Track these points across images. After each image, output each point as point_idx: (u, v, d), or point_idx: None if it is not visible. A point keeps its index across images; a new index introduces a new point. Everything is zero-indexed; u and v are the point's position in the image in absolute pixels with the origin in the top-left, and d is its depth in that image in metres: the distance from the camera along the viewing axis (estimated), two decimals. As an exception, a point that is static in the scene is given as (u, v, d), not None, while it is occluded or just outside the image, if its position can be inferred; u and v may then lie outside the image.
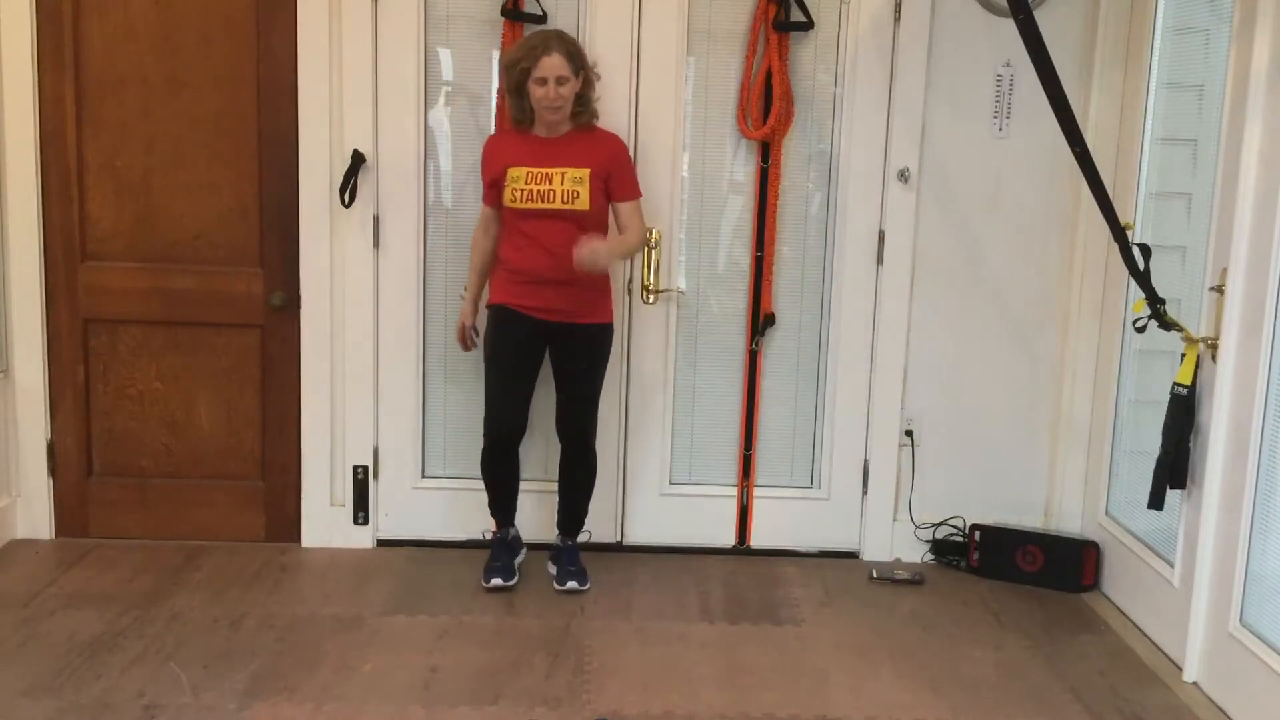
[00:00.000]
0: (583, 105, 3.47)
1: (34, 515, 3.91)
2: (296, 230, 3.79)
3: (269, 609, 3.44)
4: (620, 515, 4.00)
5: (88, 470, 3.92)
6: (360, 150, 3.72)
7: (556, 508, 3.77)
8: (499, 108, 3.73)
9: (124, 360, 3.87)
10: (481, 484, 3.96)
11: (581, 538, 3.85)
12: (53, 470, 3.91)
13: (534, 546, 3.91)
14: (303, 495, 3.93)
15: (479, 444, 3.93)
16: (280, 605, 3.47)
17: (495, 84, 3.74)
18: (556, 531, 3.78)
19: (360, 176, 3.74)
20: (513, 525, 3.79)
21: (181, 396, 3.89)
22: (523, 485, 3.80)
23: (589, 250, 3.29)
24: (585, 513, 3.77)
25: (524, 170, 3.42)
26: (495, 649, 3.23)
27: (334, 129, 3.74)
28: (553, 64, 3.35)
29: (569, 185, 3.43)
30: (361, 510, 3.95)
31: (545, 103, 3.38)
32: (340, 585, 3.64)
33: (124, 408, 3.89)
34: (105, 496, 3.93)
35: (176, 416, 3.90)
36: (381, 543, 3.97)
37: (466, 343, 3.71)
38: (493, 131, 3.74)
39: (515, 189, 3.42)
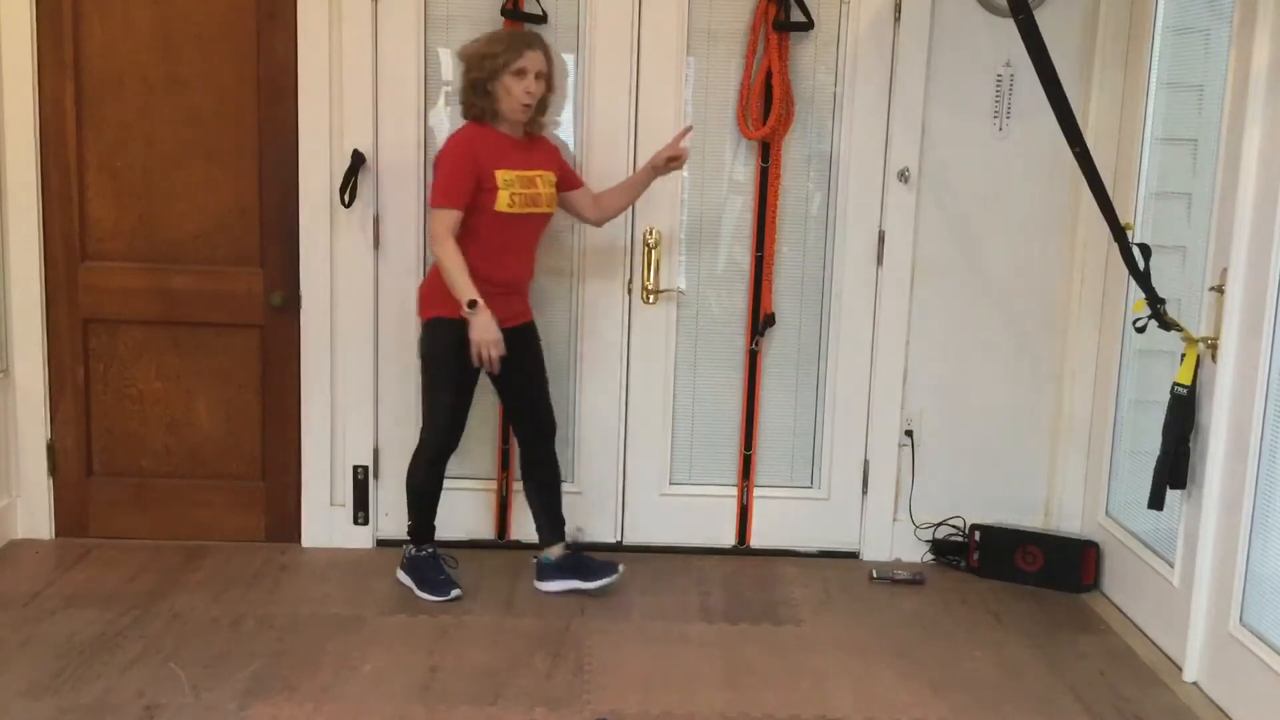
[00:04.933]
0: (541, 111, 3.45)
1: (34, 515, 3.91)
2: (296, 230, 3.79)
3: (269, 609, 3.44)
4: (620, 515, 4.00)
5: (88, 470, 3.92)
6: (360, 150, 3.72)
7: (537, 518, 3.68)
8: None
9: (124, 360, 3.87)
10: (482, 484, 3.99)
11: (581, 536, 3.86)
12: (53, 470, 3.91)
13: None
14: (303, 495, 3.93)
15: (479, 444, 3.96)
16: (280, 605, 3.47)
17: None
18: (550, 543, 3.65)
19: (360, 176, 3.74)
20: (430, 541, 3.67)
21: (181, 396, 3.89)
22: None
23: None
24: (561, 508, 3.71)
25: (515, 174, 3.36)
26: (495, 649, 3.23)
27: (334, 129, 3.74)
28: (536, 59, 3.33)
29: (549, 189, 3.46)
30: (361, 510, 3.95)
31: (523, 98, 3.32)
32: (340, 585, 3.64)
33: (124, 408, 3.89)
34: (105, 496, 3.93)
35: (176, 416, 3.90)
36: (381, 543, 3.97)
37: (499, 364, 3.35)
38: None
39: (512, 193, 3.34)
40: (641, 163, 3.72)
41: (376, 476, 3.95)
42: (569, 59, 3.78)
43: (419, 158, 3.79)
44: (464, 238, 3.33)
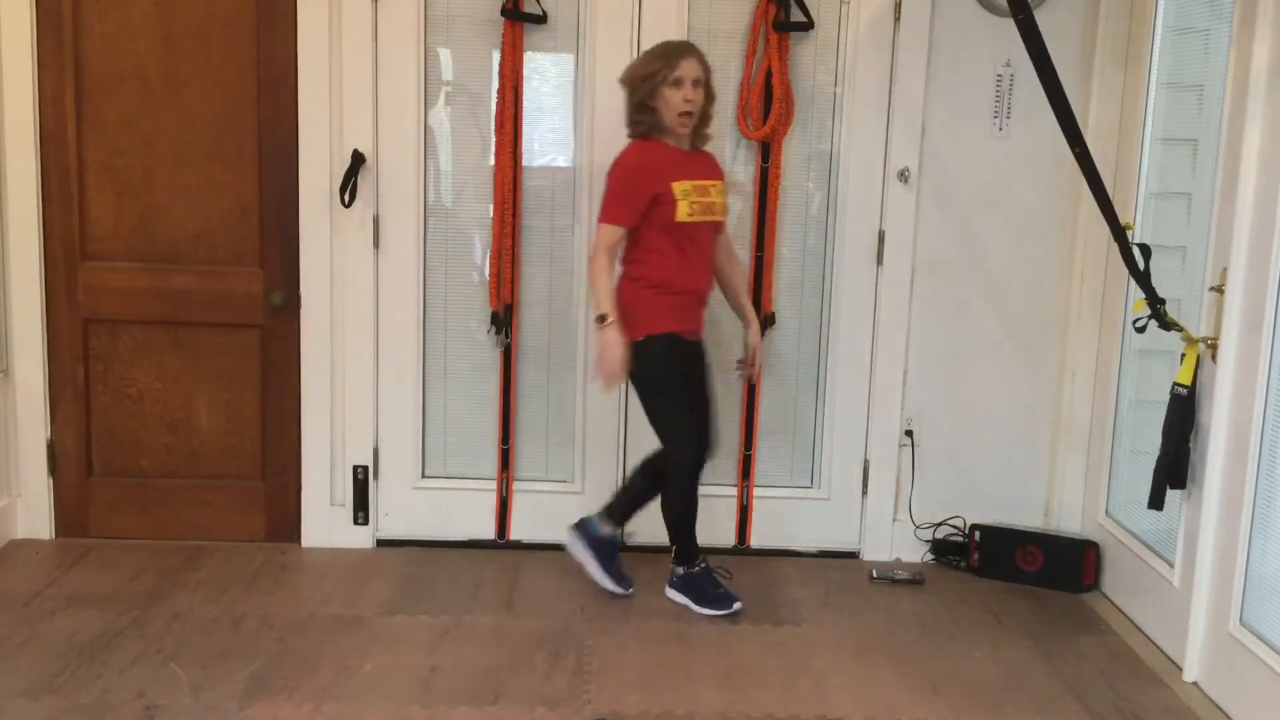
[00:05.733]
0: (704, 122, 3.44)
1: (34, 515, 3.91)
2: (296, 230, 3.79)
3: (269, 609, 3.44)
4: (620, 515, 4.00)
5: (88, 470, 3.92)
6: (360, 150, 3.72)
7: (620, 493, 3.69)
8: (500, 108, 3.73)
9: (124, 360, 3.87)
10: (481, 484, 3.98)
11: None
12: (53, 470, 3.91)
13: (536, 546, 3.92)
14: (303, 495, 3.93)
15: (479, 444, 3.96)
16: (280, 605, 3.47)
17: (495, 84, 3.74)
18: (606, 520, 3.65)
19: (360, 176, 3.74)
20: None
21: (181, 396, 3.89)
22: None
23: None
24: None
25: (690, 184, 3.37)
26: (495, 649, 3.23)
27: (334, 129, 3.74)
28: (691, 66, 3.33)
29: (721, 198, 3.48)
30: (361, 510, 3.95)
31: (682, 106, 3.31)
32: (340, 585, 3.64)
33: (124, 408, 3.89)
34: (105, 496, 3.93)
35: (176, 416, 3.90)
36: (381, 543, 3.97)
37: (619, 378, 3.34)
38: (494, 136, 3.74)
39: (690, 202, 3.35)
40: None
41: (376, 476, 3.95)
42: (569, 59, 3.78)
43: (419, 158, 3.79)
44: (650, 253, 3.38)
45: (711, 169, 3.50)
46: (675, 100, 3.32)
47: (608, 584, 3.59)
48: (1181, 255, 3.49)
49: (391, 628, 3.35)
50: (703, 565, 3.58)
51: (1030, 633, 3.48)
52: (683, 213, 3.33)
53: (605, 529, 3.63)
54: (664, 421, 3.46)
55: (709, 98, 3.43)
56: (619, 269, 3.44)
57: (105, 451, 3.92)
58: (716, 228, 3.50)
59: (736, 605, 3.49)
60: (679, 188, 3.34)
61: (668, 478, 3.49)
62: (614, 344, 3.29)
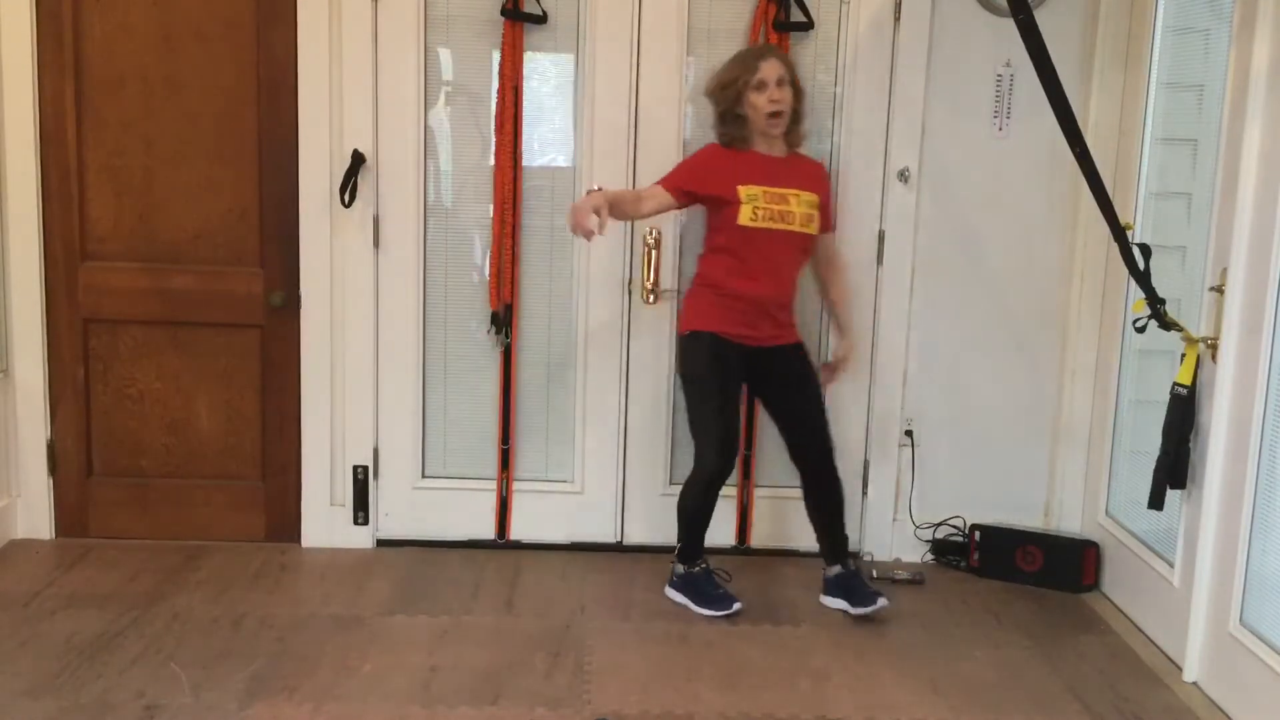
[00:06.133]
0: (796, 121, 3.42)
1: (34, 515, 3.91)
2: (296, 230, 3.79)
3: (269, 609, 3.44)
4: (620, 515, 4.00)
5: (88, 470, 3.92)
6: (360, 150, 3.72)
7: (818, 538, 3.64)
8: (500, 108, 3.73)
9: (124, 360, 3.87)
10: (481, 484, 3.98)
11: (581, 536, 3.87)
12: (53, 470, 3.91)
13: (543, 547, 3.93)
14: (303, 495, 3.93)
15: (479, 444, 3.96)
16: (280, 605, 3.47)
17: (495, 84, 3.74)
18: (829, 563, 3.60)
19: (360, 176, 3.74)
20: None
21: (181, 396, 3.89)
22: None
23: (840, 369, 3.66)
24: (844, 529, 3.60)
25: (761, 189, 3.35)
26: (495, 649, 3.23)
27: (334, 129, 3.74)
28: (772, 66, 3.31)
29: (805, 209, 3.40)
30: (361, 510, 3.95)
31: (768, 107, 3.30)
32: (340, 585, 3.64)
33: (124, 408, 3.89)
34: (105, 496, 3.93)
35: (176, 416, 3.90)
36: (381, 543, 3.97)
37: (585, 227, 3.11)
38: (494, 137, 3.74)
39: (756, 207, 3.34)
40: (641, 162, 3.75)
41: (376, 476, 3.95)
42: (569, 59, 3.78)
43: (419, 158, 3.79)
44: (711, 252, 3.46)
45: (804, 179, 3.44)
46: (761, 103, 3.30)
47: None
48: (1181, 255, 3.49)
49: (391, 628, 3.35)
50: (703, 566, 3.57)
51: (1030, 633, 3.48)
52: (745, 216, 3.34)
53: (832, 571, 3.58)
54: (694, 419, 3.48)
55: (798, 95, 3.40)
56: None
57: (105, 451, 3.92)
58: (792, 238, 3.40)
59: (736, 606, 3.48)
60: (746, 191, 3.33)
61: (689, 480, 3.51)
62: (581, 204, 3.15)
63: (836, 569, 3.58)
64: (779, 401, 3.53)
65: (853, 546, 4.00)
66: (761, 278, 3.41)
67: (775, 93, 3.31)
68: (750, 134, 3.39)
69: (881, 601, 3.47)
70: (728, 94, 3.36)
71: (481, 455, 3.97)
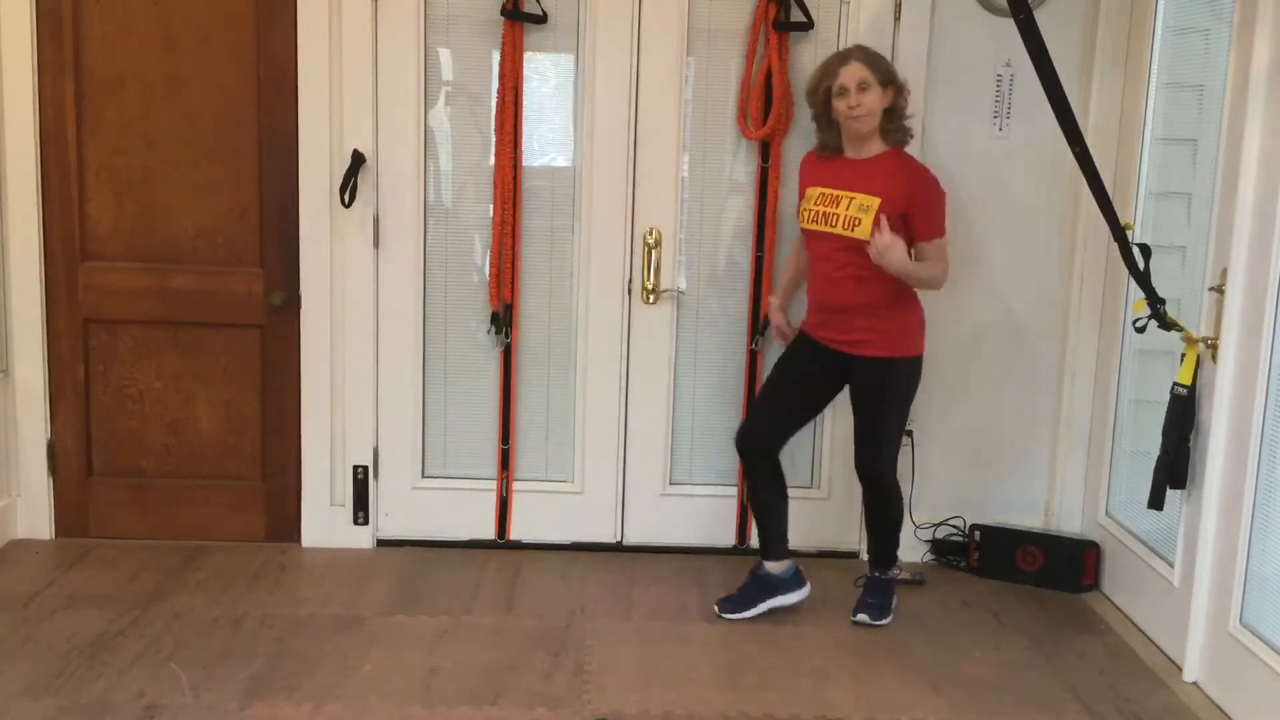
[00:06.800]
0: (892, 120, 3.29)
1: (34, 515, 3.91)
2: (296, 230, 3.79)
3: (269, 609, 3.44)
4: (620, 515, 4.00)
5: (88, 470, 3.92)
6: (360, 150, 3.72)
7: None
8: (499, 108, 3.73)
9: (124, 360, 3.87)
10: (481, 484, 4.00)
11: (581, 536, 3.86)
12: (53, 470, 3.91)
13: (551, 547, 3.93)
14: (303, 495, 3.93)
15: (479, 444, 3.97)
16: (280, 605, 3.47)
17: (495, 84, 3.74)
18: (872, 566, 3.61)
19: (360, 176, 3.74)
20: (776, 558, 3.52)
21: (181, 396, 3.89)
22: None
23: (883, 244, 3.13)
24: (892, 546, 3.57)
25: (819, 190, 3.35)
26: (495, 649, 3.23)
27: (334, 129, 3.74)
28: (851, 71, 3.23)
29: (852, 211, 3.24)
30: (361, 510, 3.95)
31: (847, 112, 3.24)
32: (340, 585, 3.64)
33: (124, 408, 3.89)
34: (105, 496, 3.93)
35: (176, 416, 3.90)
36: (381, 543, 3.97)
37: (782, 332, 3.62)
38: (494, 137, 3.74)
39: (806, 208, 3.36)
40: (641, 162, 3.75)
41: (376, 476, 3.95)
42: (569, 59, 3.78)
43: (419, 158, 3.79)
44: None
45: (864, 181, 3.27)
46: (841, 108, 3.26)
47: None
48: (1181, 255, 3.49)
49: (391, 628, 3.35)
50: (758, 566, 3.56)
51: (1030, 633, 3.48)
52: (801, 218, 3.40)
53: (874, 574, 3.60)
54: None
55: (898, 92, 3.30)
56: None
57: (105, 451, 3.92)
58: (835, 240, 3.27)
59: (726, 613, 3.48)
60: (812, 193, 3.37)
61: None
62: (775, 325, 3.67)
63: (865, 574, 3.63)
64: (853, 409, 3.47)
65: (852, 547, 4.03)
66: (818, 280, 3.41)
67: (855, 98, 3.23)
68: (842, 140, 3.35)
69: (881, 620, 3.48)
70: (815, 100, 3.35)
71: (481, 455, 3.97)
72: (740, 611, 3.48)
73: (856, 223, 3.23)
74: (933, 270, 3.32)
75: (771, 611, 3.50)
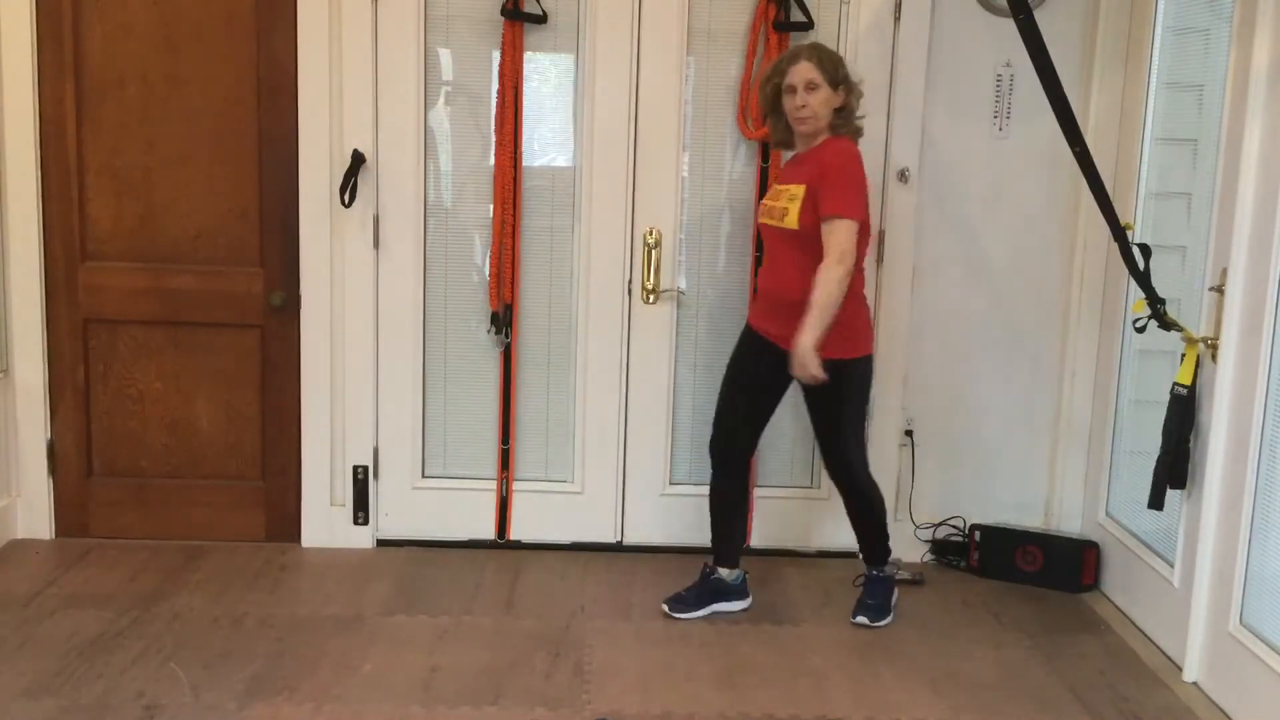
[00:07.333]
0: (843, 119, 3.27)
1: (34, 515, 3.91)
2: (296, 230, 3.79)
3: (269, 609, 3.44)
4: (620, 515, 4.00)
5: (88, 470, 3.92)
6: (360, 150, 3.72)
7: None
8: (499, 108, 3.73)
9: (124, 360, 3.87)
10: (481, 484, 4.00)
11: (581, 536, 3.85)
12: (53, 470, 3.91)
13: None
14: (303, 495, 3.93)
15: (479, 444, 3.97)
16: (280, 605, 3.47)
17: (495, 84, 3.74)
18: (868, 562, 3.61)
19: (360, 176, 3.74)
20: (731, 565, 3.53)
21: (181, 396, 3.89)
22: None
23: (798, 361, 3.11)
24: (879, 541, 3.55)
25: (777, 187, 3.38)
26: (495, 649, 3.23)
27: (334, 129, 3.74)
28: (800, 70, 3.21)
29: (783, 202, 3.26)
30: (361, 510, 3.95)
31: (795, 112, 3.24)
32: (340, 585, 3.64)
33: (124, 408, 3.89)
34: (105, 496, 3.93)
35: (176, 416, 3.90)
36: (381, 543, 3.97)
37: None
38: (494, 137, 3.75)
39: (763, 205, 3.40)
40: (641, 162, 3.75)
41: (376, 476, 3.95)
42: (569, 59, 3.78)
43: (419, 158, 3.79)
44: None
45: (802, 172, 3.25)
46: (789, 107, 3.26)
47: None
48: (1181, 255, 3.49)
49: (391, 628, 3.35)
50: (708, 569, 3.56)
51: (1030, 633, 3.48)
52: (759, 214, 3.44)
53: (871, 572, 3.60)
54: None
55: (849, 91, 3.26)
56: None
57: (105, 451, 3.92)
58: (780, 233, 3.28)
59: (674, 613, 3.49)
60: (771, 190, 3.42)
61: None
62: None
63: (864, 572, 3.62)
64: (809, 413, 3.46)
65: (852, 547, 4.01)
66: (765, 271, 3.44)
67: (801, 98, 3.22)
68: (793, 136, 3.35)
69: (881, 622, 3.48)
70: (765, 93, 3.34)
71: (481, 455, 3.97)
72: (690, 611, 3.49)
73: (785, 213, 3.25)
74: (829, 286, 3.10)
75: (714, 615, 3.51)
